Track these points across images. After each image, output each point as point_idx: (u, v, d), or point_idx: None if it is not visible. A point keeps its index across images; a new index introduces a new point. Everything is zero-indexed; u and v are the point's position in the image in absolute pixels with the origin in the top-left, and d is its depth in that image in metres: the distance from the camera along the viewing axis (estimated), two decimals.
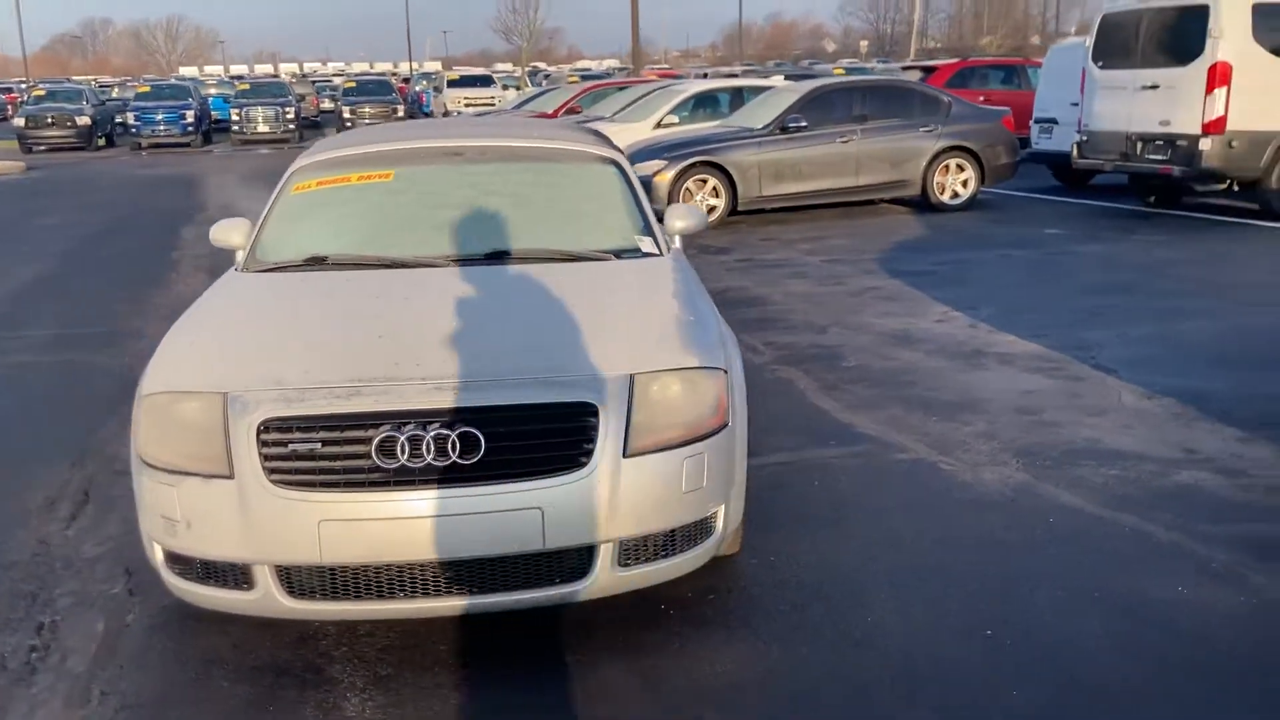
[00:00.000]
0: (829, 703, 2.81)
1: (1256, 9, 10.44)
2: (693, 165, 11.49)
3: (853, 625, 3.18)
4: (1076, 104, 13.48)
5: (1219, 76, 10.39)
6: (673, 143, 11.99)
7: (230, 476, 2.80)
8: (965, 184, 12.48)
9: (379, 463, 2.78)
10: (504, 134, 4.69)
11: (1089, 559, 3.58)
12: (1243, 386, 5.39)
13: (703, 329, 3.32)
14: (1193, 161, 10.65)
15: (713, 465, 3.04)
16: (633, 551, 2.96)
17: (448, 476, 2.79)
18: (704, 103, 14.70)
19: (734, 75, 23.79)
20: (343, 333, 3.23)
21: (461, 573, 2.85)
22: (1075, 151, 12.31)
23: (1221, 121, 10.46)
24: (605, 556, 2.91)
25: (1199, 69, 10.51)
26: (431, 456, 2.78)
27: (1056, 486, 4.18)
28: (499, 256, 3.88)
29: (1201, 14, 10.55)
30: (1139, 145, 11.28)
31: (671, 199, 11.28)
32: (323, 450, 2.80)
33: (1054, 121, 13.97)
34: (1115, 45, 11.65)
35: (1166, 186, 12.03)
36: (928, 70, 18.33)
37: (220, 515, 2.81)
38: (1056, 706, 2.75)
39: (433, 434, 2.78)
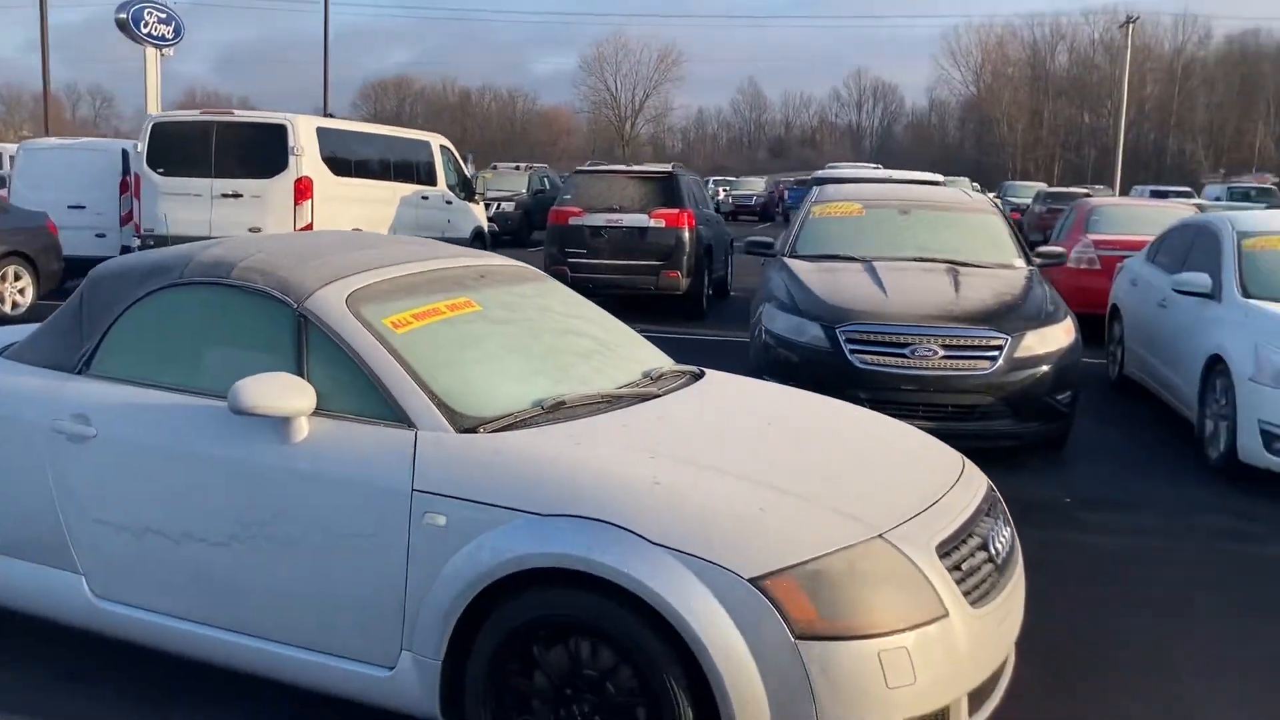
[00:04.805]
0: None
1: (319, 131, 12.06)
2: None
3: None
4: (77, 206, 13.18)
5: (305, 189, 11.68)
6: None
7: (946, 614, 2.69)
8: (23, 292, 11.21)
9: (994, 559, 3.02)
10: (449, 252, 3.98)
11: None
12: None
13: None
14: None
15: None
16: None
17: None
18: None
19: None
20: (808, 458, 3.17)
21: None
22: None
23: (309, 227, 11.74)
24: None
25: (286, 181, 11.61)
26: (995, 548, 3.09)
27: None
28: (649, 374, 3.75)
29: (279, 132, 11.66)
30: None
31: None
32: (975, 561, 2.92)
33: None
34: (178, 154, 11.84)
35: None
36: None
37: (943, 660, 2.66)
38: None
39: (990, 526, 3.12)
